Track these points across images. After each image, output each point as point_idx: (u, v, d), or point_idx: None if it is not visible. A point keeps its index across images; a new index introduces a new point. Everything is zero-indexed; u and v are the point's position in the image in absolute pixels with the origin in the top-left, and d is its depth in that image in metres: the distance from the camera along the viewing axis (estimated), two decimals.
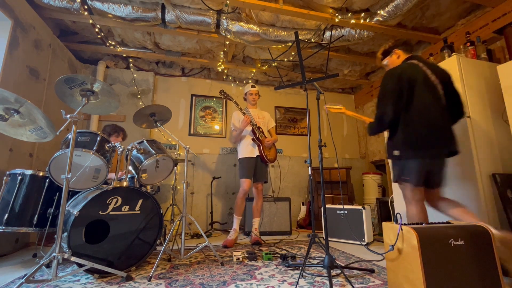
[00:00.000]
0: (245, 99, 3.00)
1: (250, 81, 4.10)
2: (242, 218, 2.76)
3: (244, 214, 2.97)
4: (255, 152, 2.75)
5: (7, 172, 1.89)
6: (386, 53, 1.89)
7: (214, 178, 3.60)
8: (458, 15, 2.78)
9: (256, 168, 2.75)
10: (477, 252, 1.26)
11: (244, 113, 2.76)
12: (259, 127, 2.80)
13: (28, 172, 1.87)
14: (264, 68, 3.71)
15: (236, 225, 2.65)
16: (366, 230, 2.53)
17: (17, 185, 1.82)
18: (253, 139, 2.76)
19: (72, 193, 2.02)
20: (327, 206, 2.80)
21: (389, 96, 1.64)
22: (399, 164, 1.66)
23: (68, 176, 1.44)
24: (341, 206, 2.75)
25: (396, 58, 1.85)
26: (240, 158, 2.79)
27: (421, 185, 1.61)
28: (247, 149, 2.76)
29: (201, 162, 3.73)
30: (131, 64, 3.63)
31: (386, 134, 1.83)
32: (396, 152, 1.64)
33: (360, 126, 4.58)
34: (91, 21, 2.70)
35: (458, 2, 2.60)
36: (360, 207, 2.62)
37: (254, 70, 3.81)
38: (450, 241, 1.24)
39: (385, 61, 1.91)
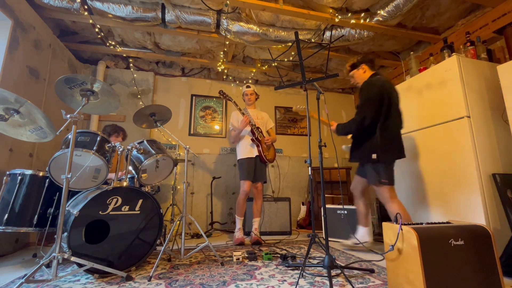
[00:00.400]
0: (244, 100, 3.00)
1: (250, 81, 4.10)
2: (242, 218, 2.78)
3: (244, 214, 2.97)
4: (254, 153, 2.75)
5: (7, 172, 1.89)
6: (354, 66, 2.13)
7: (214, 178, 3.60)
8: (458, 15, 2.78)
9: (256, 169, 2.75)
10: (477, 252, 1.26)
11: (243, 114, 2.75)
12: (258, 127, 2.80)
13: (28, 172, 1.87)
14: (264, 68, 3.71)
15: (239, 224, 2.69)
16: None
17: (17, 185, 1.82)
18: (252, 140, 2.76)
19: (72, 193, 2.02)
20: (327, 206, 2.80)
21: (373, 102, 1.84)
22: (378, 167, 1.84)
23: (68, 176, 1.44)
24: (341, 206, 2.75)
25: (362, 72, 2.08)
26: (239, 159, 2.79)
27: (393, 183, 1.85)
28: (246, 150, 2.76)
29: (201, 162, 3.73)
30: (131, 64, 3.63)
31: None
32: (374, 156, 1.84)
33: None
34: (91, 21, 2.70)
35: (458, 2, 2.60)
36: None
37: (254, 70, 3.81)
38: (450, 241, 1.24)
39: (351, 73, 2.15)
